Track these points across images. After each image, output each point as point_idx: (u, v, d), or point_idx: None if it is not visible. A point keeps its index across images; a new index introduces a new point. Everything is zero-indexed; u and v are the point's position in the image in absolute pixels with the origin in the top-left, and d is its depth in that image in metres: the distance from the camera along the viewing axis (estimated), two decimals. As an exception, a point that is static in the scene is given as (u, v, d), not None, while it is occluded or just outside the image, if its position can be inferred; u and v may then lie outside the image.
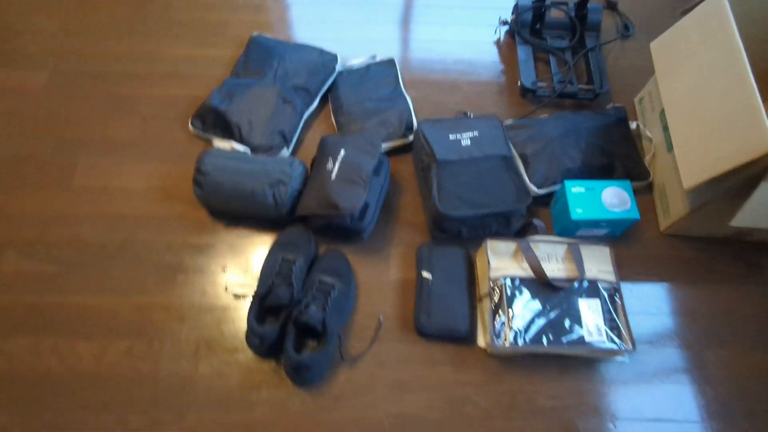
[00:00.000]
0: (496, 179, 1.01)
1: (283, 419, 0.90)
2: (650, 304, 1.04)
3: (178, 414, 0.90)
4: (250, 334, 0.89)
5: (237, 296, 0.99)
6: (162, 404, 0.90)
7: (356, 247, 1.07)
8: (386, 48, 1.34)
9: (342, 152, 1.01)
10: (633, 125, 1.18)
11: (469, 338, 0.97)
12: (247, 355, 0.95)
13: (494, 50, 1.36)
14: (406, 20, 1.41)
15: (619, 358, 0.95)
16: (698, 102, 0.92)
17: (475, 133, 1.08)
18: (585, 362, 0.97)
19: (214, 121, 1.13)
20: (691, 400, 0.95)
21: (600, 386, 0.95)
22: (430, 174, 1.03)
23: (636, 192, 1.15)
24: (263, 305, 0.92)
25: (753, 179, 0.83)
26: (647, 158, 1.15)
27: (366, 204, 1.00)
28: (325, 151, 1.04)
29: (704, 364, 0.98)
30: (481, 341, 0.96)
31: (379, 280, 1.04)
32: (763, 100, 0.82)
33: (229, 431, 0.89)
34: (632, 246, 1.10)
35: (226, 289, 0.97)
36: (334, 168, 0.99)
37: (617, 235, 1.10)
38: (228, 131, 1.12)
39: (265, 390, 0.92)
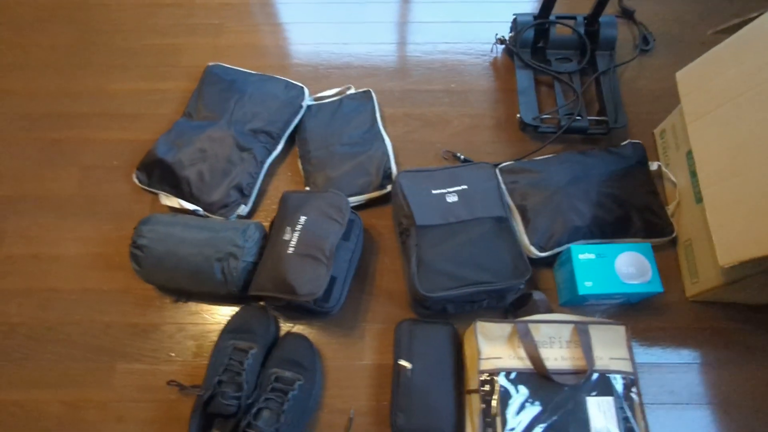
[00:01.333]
0: (488, 248, 0.85)
1: None
2: (674, 391, 0.87)
3: None
4: (192, 450, 0.75)
5: (184, 390, 0.84)
6: None
7: (324, 325, 0.91)
8: (364, 76, 1.16)
9: (302, 219, 0.85)
10: (654, 166, 1.00)
11: (455, 441, 0.81)
12: (194, 463, 0.81)
13: (490, 74, 1.17)
14: (400, 41, 1.22)
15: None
16: (739, 159, 0.74)
17: (464, 186, 0.91)
18: (596, 468, 0.81)
19: (161, 174, 0.98)
20: None
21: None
22: (408, 241, 0.86)
23: (656, 248, 0.97)
24: (207, 411, 0.77)
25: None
26: (670, 207, 0.96)
27: (332, 279, 0.84)
28: (283, 215, 0.88)
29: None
30: (470, 443, 0.80)
31: (351, 365, 0.88)
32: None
33: None
34: (651, 316, 0.92)
35: (169, 383, 0.82)
36: (292, 239, 0.83)
37: (634, 302, 0.93)
38: (176, 187, 0.96)
39: (215, 508, 0.78)
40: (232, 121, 1.01)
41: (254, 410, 0.75)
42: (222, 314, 0.91)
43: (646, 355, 0.89)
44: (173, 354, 0.88)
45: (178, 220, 0.88)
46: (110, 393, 0.85)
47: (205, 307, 0.92)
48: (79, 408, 0.84)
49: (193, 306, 0.92)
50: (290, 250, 0.82)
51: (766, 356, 0.89)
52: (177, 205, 0.96)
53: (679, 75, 0.89)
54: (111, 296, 0.93)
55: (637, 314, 0.92)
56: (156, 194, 0.99)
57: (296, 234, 0.83)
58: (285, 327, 0.91)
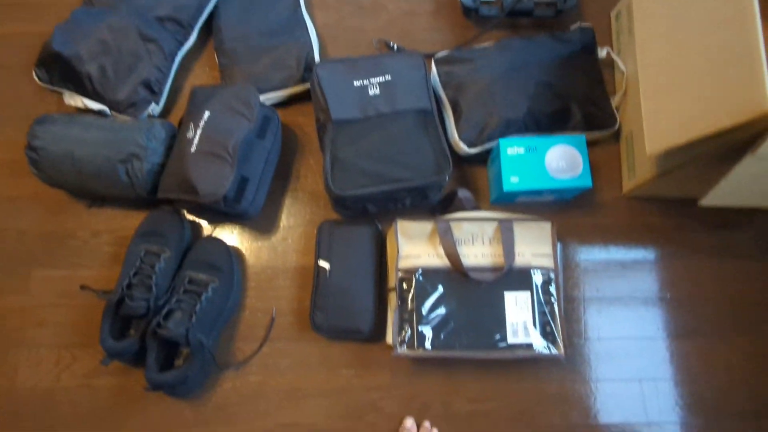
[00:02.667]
0: (409, 143, 0.79)
1: (160, 435, 0.79)
2: (604, 284, 0.86)
3: (41, 433, 0.79)
4: (105, 352, 0.75)
5: (100, 296, 0.83)
6: (23, 423, 0.79)
7: (245, 227, 0.88)
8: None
9: (206, 114, 0.78)
10: (603, 52, 0.91)
11: (375, 337, 0.82)
12: (117, 363, 0.81)
13: (435, -51, 1.04)
14: None
15: (555, 352, 0.80)
16: (680, 37, 0.66)
17: (388, 77, 0.83)
18: (513, 359, 0.82)
19: (61, 70, 0.88)
20: (644, 405, 0.82)
21: (529, 387, 0.81)
22: (324, 138, 0.80)
23: (599, 142, 0.91)
24: (118, 314, 0.76)
25: (736, 149, 0.61)
26: (616, 98, 0.89)
27: (243, 179, 0.79)
28: (189, 112, 0.81)
29: (671, 358, 0.83)
30: (390, 340, 0.81)
31: (274, 267, 0.86)
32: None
33: (98, 451, 0.79)
34: (586, 212, 0.89)
35: (82, 287, 0.80)
36: (195, 136, 0.77)
37: (568, 199, 0.89)
38: (78, 83, 0.88)
39: (140, 402, 0.80)
40: (134, 8, 0.90)
41: (165, 311, 0.74)
42: (138, 219, 0.87)
43: (579, 252, 0.88)
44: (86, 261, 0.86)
45: (77, 120, 0.81)
46: (29, 299, 0.84)
47: (122, 212, 0.88)
48: (-2, 314, 0.84)
49: (109, 211, 0.88)
50: (193, 148, 0.76)
51: (696, 250, 0.87)
52: (82, 105, 0.88)
53: (632, -61, 0.77)
54: (21, 203, 0.88)
55: (571, 211, 0.89)
56: (60, 93, 0.91)
57: (199, 131, 0.77)
58: (207, 231, 0.88)
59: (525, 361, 0.82)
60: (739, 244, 0.88)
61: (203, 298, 0.76)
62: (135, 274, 0.77)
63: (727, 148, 0.62)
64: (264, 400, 0.81)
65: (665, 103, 0.67)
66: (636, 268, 0.87)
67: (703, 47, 0.62)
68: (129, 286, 0.76)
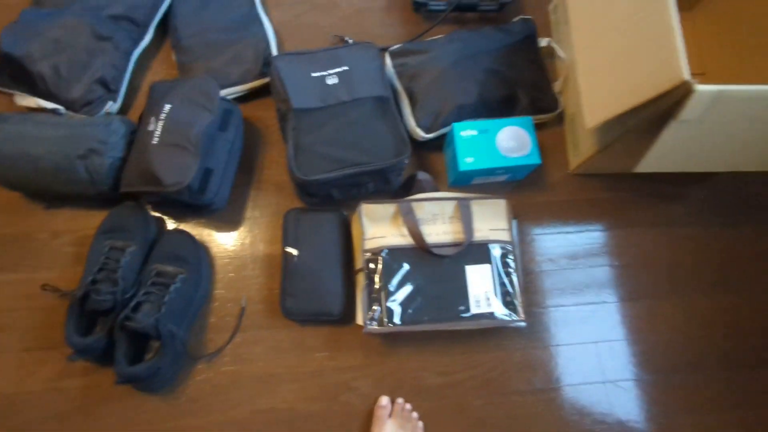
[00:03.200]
0: (368, 128, 0.82)
1: (135, 431, 0.78)
2: (557, 256, 0.92)
3: (6, 439, 0.77)
4: (72, 348, 0.73)
5: (60, 294, 0.82)
6: (-16, 431, 0.77)
7: (211, 220, 0.89)
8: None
9: (166, 107, 0.79)
10: (543, 42, 0.98)
11: (345, 319, 0.84)
12: (83, 363, 0.80)
13: (384, -51, 1.09)
14: None
15: (515, 319, 0.85)
16: (607, 19, 0.73)
17: (345, 67, 0.86)
18: (478, 330, 0.87)
19: (11, 71, 0.87)
20: (601, 366, 0.87)
21: (494, 357, 0.86)
22: (287, 127, 0.82)
23: (545, 125, 0.98)
24: (84, 310, 0.75)
25: (662, 117, 0.67)
26: (558, 84, 0.96)
27: (207, 171, 0.80)
28: (149, 106, 0.82)
29: (621, 320, 0.89)
30: (360, 320, 0.83)
31: (242, 257, 0.87)
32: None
33: (68, 453, 0.77)
34: (537, 190, 0.95)
35: (44, 287, 0.79)
36: (156, 129, 0.77)
37: (520, 179, 0.95)
38: (30, 84, 0.87)
39: (112, 400, 0.79)
40: (87, 7, 0.90)
41: (133, 303, 0.74)
42: (100, 217, 0.86)
43: (533, 228, 0.93)
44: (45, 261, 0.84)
45: (30, 117, 0.80)
46: (-14, 304, 0.82)
47: (82, 211, 0.87)
48: (-47, 322, 0.81)
49: (68, 211, 0.87)
50: (155, 140, 0.77)
51: (637, 221, 0.95)
52: (35, 105, 0.87)
53: (562, -64, 0.84)
54: (-27, 207, 0.86)
55: (524, 190, 0.95)
56: (11, 95, 0.89)
57: (160, 123, 0.78)
58: (173, 226, 0.88)
59: (490, 333, 0.87)
60: (673, 213, 0.96)
61: (172, 289, 0.76)
62: (100, 270, 0.76)
63: (655, 118, 0.69)
64: (238, 390, 0.81)
65: (599, 81, 0.73)
66: (585, 240, 0.93)
67: (629, 29, 0.69)
68: (94, 282, 0.75)
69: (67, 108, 0.87)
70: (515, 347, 0.87)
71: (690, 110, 0.62)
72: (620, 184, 0.96)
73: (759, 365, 0.88)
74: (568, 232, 0.94)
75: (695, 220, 0.96)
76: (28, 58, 0.86)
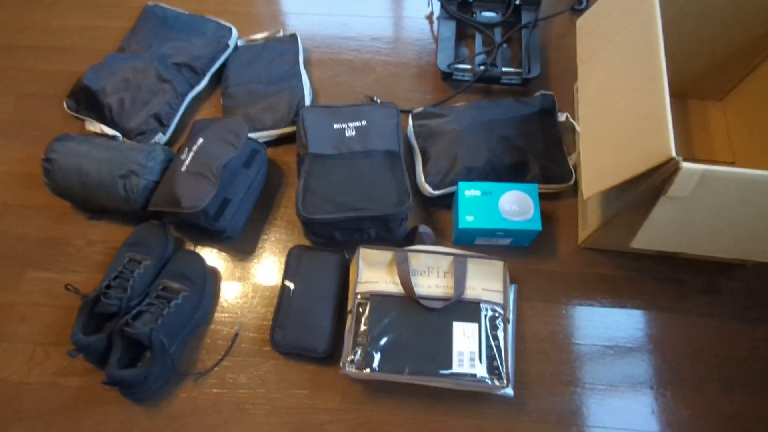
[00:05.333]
0: (375, 178, 0.87)
1: (111, 438, 0.81)
2: (556, 330, 0.89)
3: (2, 425, 0.82)
4: (74, 345, 0.80)
5: (81, 295, 0.90)
6: (-15, 413, 0.83)
7: (224, 248, 0.96)
8: (296, 22, 1.20)
9: (199, 141, 0.89)
10: (562, 117, 1.01)
11: (330, 358, 0.85)
12: (86, 364, 0.86)
13: (424, 27, 1.20)
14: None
15: (503, 391, 0.82)
16: (609, 96, 0.76)
17: (364, 122, 0.93)
18: (462, 393, 0.84)
19: (87, 100, 1.03)
20: (582, 445, 0.81)
21: (473, 424, 0.82)
22: (301, 169, 0.90)
23: (560, 197, 0.99)
24: (94, 312, 0.82)
25: (654, 193, 0.67)
26: (573, 156, 0.98)
27: (225, 200, 0.88)
28: (188, 139, 0.92)
29: (619, 408, 0.83)
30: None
31: (245, 286, 0.92)
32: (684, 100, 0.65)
33: (51, 448, 0.81)
34: (544, 259, 0.94)
35: (67, 287, 0.87)
36: (187, 158, 0.87)
37: (526, 246, 0.95)
38: (99, 113, 1.01)
39: (99, 404, 0.83)
40: (157, 54, 1.06)
41: (135, 311, 0.80)
42: (130, 232, 0.96)
43: (533, 296, 0.92)
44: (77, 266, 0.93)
45: (89, 140, 0.93)
46: (17, 296, 0.91)
47: (116, 226, 0.97)
48: (-14, 308, 0.91)
49: (105, 224, 0.97)
50: (183, 168, 0.86)
51: (645, 301, 0.90)
52: (99, 131, 1.01)
53: (580, 21, 0.89)
54: (29, 211, 0.99)
55: (529, 258, 0.94)
56: (83, 120, 1.05)
57: (191, 154, 0.87)
58: (189, 247, 0.96)
59: (474, 398, 0.84)
60: (688, 300, 0.90)
61: (172, 304, 0.82)
62: (115, 277, 0.84)
63: (648, 194, 0.68)
64: (217, 413, 0.83)
65: (598, 154, 0.74)
66: (588, 314, 0.90)
67: (626, 107, 0.71)
68: (107, 287, 0.82)
69: (124, 135, 1.00)
70: (500, 417, 0.82)
71: (678, 187, 0.62)
72: (629, 263, 0.93)
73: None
74: (570, 305, 0.91)
75: (712, 311, 0.90)
76: (101, 91, 1.01)
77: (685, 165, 0.60)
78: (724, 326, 0.89)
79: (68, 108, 1.05)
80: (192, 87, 1.06)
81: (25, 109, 1.09)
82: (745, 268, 0.93)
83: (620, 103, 0.72)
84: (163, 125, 1.01)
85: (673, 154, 0.60)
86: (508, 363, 0.79)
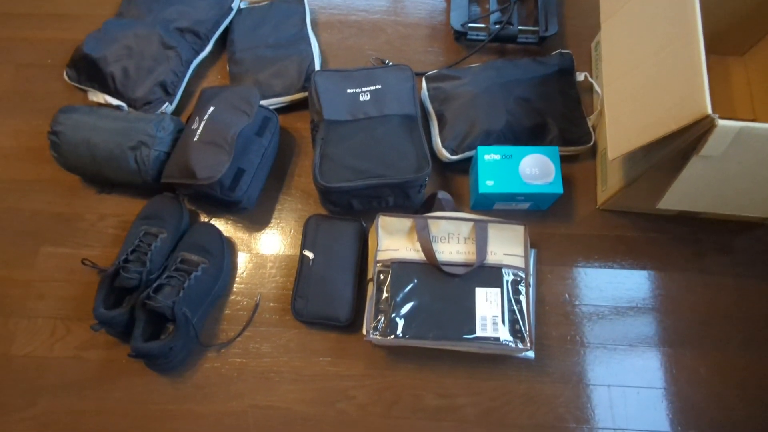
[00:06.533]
0: (393, 144, 0.85)
1: (139, 408, 0.82)
2: (577, 292, 0.89)
3: (29, 399, 0.83)
4: (96, 319, 0.80)
5: (97, 270, 0.89)
6: (13, 388, 0.84)
7: (239, 219, 0.94)
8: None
9: (210, 110, 0.86)
10: (581, 77, 0.98)
11: (351, 326, 0.85)
12: (108, 337, 0.86)
13: (434, -17, 1.15)
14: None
15: (524, 353, 0.83)
16: (637, 53, 0.73)
17: (378, 86, 0.90)
18: (484, 356, 0.85)
19: (88, 70, 0.99)
20: (611, 411, 0.83)
21: (498, 385, 0.83)
22: (316, 136, 0.87)
23: (578, 159, 0.97)
24: (113, 286, 0.82)
25: (685, 152, 0.66)
26: (592, 117, 0.96)
27: (240, 170, 0.86)
28: (197, 108, 0.90)
29: (639, 366, 0.84)
30: (365, 329, 0.84)
31: (263, 256, 0.92)
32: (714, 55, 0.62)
33: (80, 419, 0.82)
34: (562, 223, 0.94)
35: (84, 262, 0.86)
36: (199, 128, 0.85)
37: (544, 209, 0.94)
38: (102, 82, 0.98)
39: (124, 376, 0.84)
40: (159, 19, 1.01)
41: (155, 285, 0.79)
42: (142, 205, 0.94)
43: (553, 259, 0.91)
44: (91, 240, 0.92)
45: (95, 111, 0.90)
46: (33, 273, 0.91)
47: (128, 198, 0.96)
48: (3, 285, 0.90)
49: (116, 197, 0.96)
50: (196, 138, 0.84)
51: (665, 263, 0.90)
52: (103, 101, 0.98)
53: (602, -26, 0.85)
54: (39, 186, 0.97)
55: (547, 221, 0.94)
56: (86, 91, 1.01)
57: (203, 123, 0.85)
58: (204, 219, 0.95)
59: (496, 360, 0.85)
60: (706, 260, 0.91)
61: (192, 276, 0.81)
62: (133, 251, 0.83)
63: (678, 153, 0.67)
64: (241, 382, 0.84)
65: (624, 114, 0.72)
66: (607, 276, 0.90)
67: (655, 64, 0.68)
68: (126, 260, 0.82)
69: (129, 105, 0.97)
70: (521, 378, 0.84)
71: (712, 146, 0.60)
72: (649, 224, 0.93)
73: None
74: (590, 267, 0.91)
75: (731, 271, 0.90)
76: (103, 60, 0.97)
77: (722, 122, 0.58)
78: (741, 285, 0.89)
79: (69, 78, 1.01)
80: (197, 53, 1.02)
81: (24, 80, 1.05)
82: (764, 227, 0.92)
83: (650, 60, 0.69)
84: (169, 94, 0.98)
85: (710, 111, 0.58)
86: (530, 326, 0.80)
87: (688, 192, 0.68)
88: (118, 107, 0.96)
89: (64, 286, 0.90)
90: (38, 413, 0.82)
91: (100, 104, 0.99)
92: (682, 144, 0.65)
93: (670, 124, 0.63)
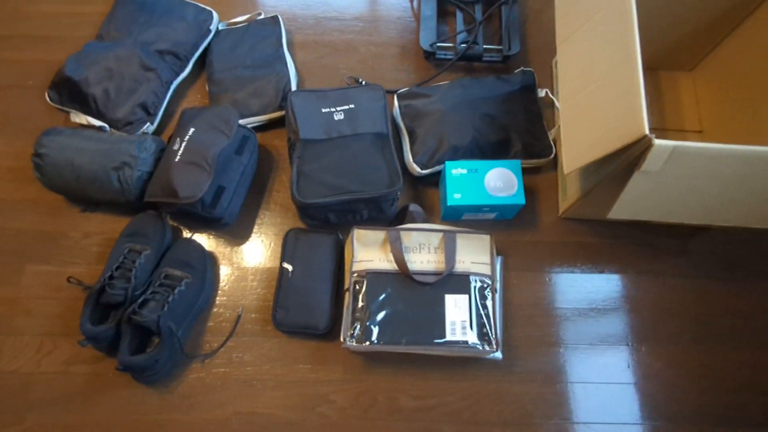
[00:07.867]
0: (366, 160, 0.90)
1: (127, 420, 0.85)
2: (541, 296, 0.95)
3: (18, 415, 0.85)
4: (83, 335, 0.83)
5: (83, 287, 0.92)
6: (1, 404, 0.86)
7: (220, 234, 0.98)
8: (277, 3, 1.19)
9: (191, 131, 0.90)
10: (542, 93, 1.05)
11: (330, 334, 0.90)
12: (94, 352, 0.89)
13: (404, 4, 1.20)
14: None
15: (492, 355, 0.88)
16: (587, 76, 0.79)
17: (352, 105, 0.96)
18: (455, 359, 0.90)
19: (69, 92, 1.02)
20: (574, 405, 0.89)
21: (466, 386, 0.89)
22: (293, 155, 0.92)
23: (541, 171, 1.03)
24: (99, 302, 0.85)
25: (629, 168, 0.72)
26: (553, 131, 1.02)
27: (220, 188, 0.90)
28: (177, 129, 0.93)
29: (596, 364, 0.91)
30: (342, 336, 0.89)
31: (244, 269, 0.96)
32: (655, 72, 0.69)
33: (69, 432, 0.85)
34: (527, 231, 1.00)
35: (69, 280, 0.89)
36: (180, 148, 0.89)
37: (510, 219, 1.00)
38: (84, 104, 1.01)
39: (112, 389, 0.87)
40: (138, 42, 1.05)
41: (140, 300, 0.83)
42: (126, 223, 0.97)
43: (519, 265, 0.97)
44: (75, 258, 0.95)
45: (78, 133, 0.94)
46: (19, 291, 0.93)
47: (111, 217, 0.99)
48: (-10, 303, 0.92)
49: (100, 216, 0.99)
50: (177, 158, 0.88)
51: (624, 265, 0.97)
52: (85, 122, 1.01)
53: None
54: (23, 206, 0.99)
55: (513, 230, 1.00)
56: (68, 112, 1.04)
57: (184, 144, 0.89)
58: (187, 235, 0.98)
59: (466, 362, 0.90)
60: (662, 263, 0.98)
61: (176, 291, 0.85)
62: (117, 267, 0.86)
63: (623, 168, 0.73)
64: (226, 390, 0.88)
65: (577, 131, 0.79)
66: (570, 280, 0.96)
67: (603, 85, 0.75)
68: (111, 277, 0.85)
69: (111, 126, 1.00)
70: (490, 378, 0.89)
71: (651, 162, 0.67)
72: (607, 230, 0.99)
73: (728, 423, 0.87)
74: (554, 272, 0.97)
75: (684, 272, 0.97)
76: (84, 82, 1.00)
77: (657, 142, 0.64)
78: (694, 285, 0.96)
79: (51, 100, 1.04)
80: (176, 74, 1.06)
81: (5, 102, 1.07)
82: (710, 231, 1.00)
83: (598, 82, 0.75)
84: (150, 114, 1.02)
85: (647, 131, 0.65)
86: (496, 329, 0.85)
87: (633, 203, 0.74)
88: (100, 128, 0.99)
89: (50, 303, 0.92)
90: (27, 428, 0.85)
91: (82, 125, 1.02)
92: (626, 160, 0.71)
93: (614, 143, 0.70)
